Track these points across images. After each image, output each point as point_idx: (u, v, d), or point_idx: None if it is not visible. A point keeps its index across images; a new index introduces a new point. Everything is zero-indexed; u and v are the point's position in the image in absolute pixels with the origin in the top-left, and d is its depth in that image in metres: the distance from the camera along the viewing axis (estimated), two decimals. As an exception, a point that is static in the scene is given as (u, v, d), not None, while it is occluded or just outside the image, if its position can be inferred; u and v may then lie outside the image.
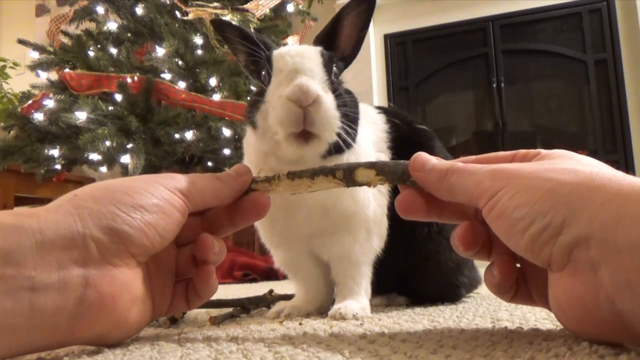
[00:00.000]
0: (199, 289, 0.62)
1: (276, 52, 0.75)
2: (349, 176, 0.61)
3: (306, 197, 0.77)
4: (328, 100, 0.69)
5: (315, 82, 0.68)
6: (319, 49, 0.76)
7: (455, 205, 0.57)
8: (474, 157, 0.59)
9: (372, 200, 0.85)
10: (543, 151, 0.53)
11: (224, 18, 2.59)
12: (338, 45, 0.80)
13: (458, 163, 0.55)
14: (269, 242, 0.89)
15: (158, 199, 0.55)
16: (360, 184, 0.62)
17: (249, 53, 0.79)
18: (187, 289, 0.64)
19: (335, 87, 0.73)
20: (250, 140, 0.81)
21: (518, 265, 0.55)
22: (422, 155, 0.57)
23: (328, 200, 0.80)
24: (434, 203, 0.57)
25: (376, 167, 0.61)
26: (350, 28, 0.79)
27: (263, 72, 0.76)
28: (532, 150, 0.55)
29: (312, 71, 0.69)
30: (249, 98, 2.56)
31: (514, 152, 0.56)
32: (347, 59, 0.81)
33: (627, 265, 0.38)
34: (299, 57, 0.71)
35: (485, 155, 0.59)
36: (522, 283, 0.55)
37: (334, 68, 0.76)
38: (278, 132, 0.70)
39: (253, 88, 2.74)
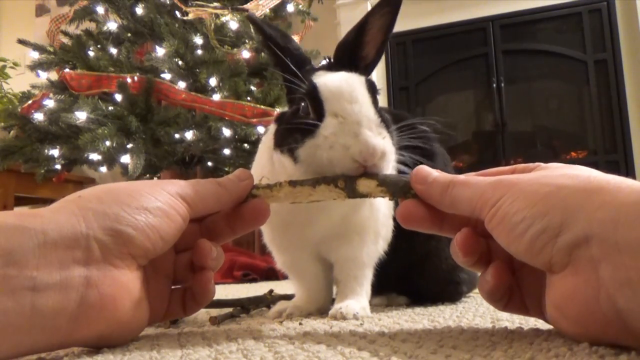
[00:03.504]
0: (197, 295, 0.63)
1: (326, 90, 0.67)
2: (351, 186, 0.61)
3: (327, 207, 0.75)
4: (389, 147, 0.65)
5: (377, 136, 0.64)
6: (363, 80, 0.70)
7: (456, 218, 0.58)
8: (474, 173, 0.60)
9: (383, 204, 0.86)
10: (542, 164, 0.54)
11: (224, 18, 2.59)
12: (364, 54, 0.75)
13: (459, 176, 0.56)
14: (276, 245, 0.88)
15: (162, 203, 0.55)
16: (362, 195, 0.61)
17: (280, 61, 0.73)
18: (184, 295, 0.64)
19: (383, 119, 0.68)
20: (285, 165, 0.71)
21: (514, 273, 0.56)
22: (424, 169, 0.58)
23: (348, 209, 0.79)
24: (435, 215, 0.58)
25: (378, 178, 0.61)
26: (374, 32, 0.75)
27: (303, 104, 0.69)
28: (530, 164, 0.56)
29: (369, 120, 0.65)
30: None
31: (513, 166, 0.58)
32: (371, 66, 0.77)
33: (628, 264, 0.38)
34: (357, 105, 0.65)
35: (485, 171, 0.59)
36: (516, 292, 0.55)
37: (377, 95, 0.72)
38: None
39: (253, 88, 2.74)
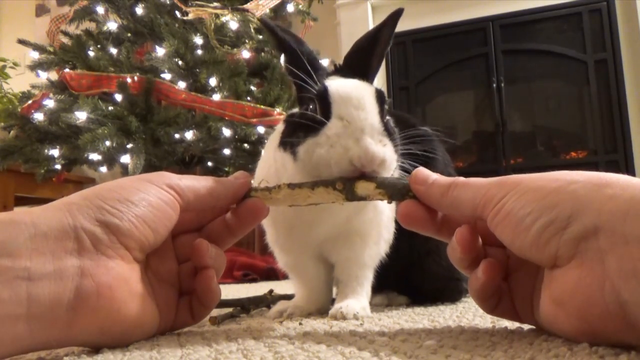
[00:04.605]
0: (201, 295, 0.63)
1: (335, 93, 0.68)
2: (349, 188, 0.61)
3: (332, 208, 0.75)
4: (389, 155, 0.65)
5: (379, 144, 0.65)
6: (373, 90, 0.71)
7: (454, 222, 0.58)
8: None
9: (387, 206, 0.86)
10: None
11: (224, 18, 2.59)
12: (373, 63, 0.77)
13: (460, 178, 0.56)
14: (279, 245, 0.88)
15: (145, 193, 0.56)
16: (360, 198, 0.62)
17: (293, 63, 0.74)
18: (191, 302, 0.64)
19: (387, 128, 0.69)
20: (284, 162, 0.73)
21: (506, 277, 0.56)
22: (423, 170, 0.59)
23: (353, 210, 0.80)
24: (434, 217, 0.59)
25: (376, 180, 0.61)
26: (383, 42, 0.77)
27: (311, 105, 0.70)
28: None
29: (372, 127, 0.66)
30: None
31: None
32: (375, 74, 0.78)
33: (635, 255, 0.38)
34: (363, 112, 0.67)
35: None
36: (507, 296, 0.55)
37: (385, 106, 0.72)
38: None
39: (253, 88, 2.74)
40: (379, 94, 0.71)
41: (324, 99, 0.69)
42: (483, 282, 0.53)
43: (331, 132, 0.66)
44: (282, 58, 0.77)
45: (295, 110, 0.78)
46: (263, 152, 0.88)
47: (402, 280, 0.99)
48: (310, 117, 0.69)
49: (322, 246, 0.86)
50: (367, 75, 0.76)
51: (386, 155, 0.65)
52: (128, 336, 0.55)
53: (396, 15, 0.77)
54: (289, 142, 0.71)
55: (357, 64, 0.77)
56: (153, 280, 0.60)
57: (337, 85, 0.70)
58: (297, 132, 0.70)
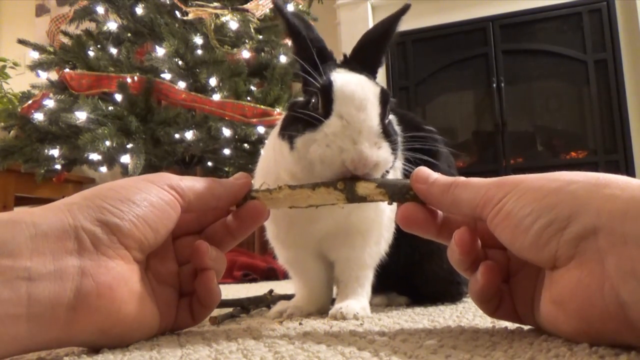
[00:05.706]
0: (201, 297, 0.63)
1: (339, 91, 0.68)
2: (350, 188, 0.61)
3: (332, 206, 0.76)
4: (383, 158, 0.65)
5: (374, 147, 0.65)
6: (378, 90, 0.70)
7: (454, 225, 0.58)
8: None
9: (388, 207, 0.86)
10: None
11: (224, 18, 2.59)
12: (381, 56, 0.77)
13: (461, 178, 0.56)
14: (280, 241, 0.88)
15: (146, 193, 0.56)
16: (361, 198, 0.62)
17: (300, 51, 0.74)
18: (191, 303, 0.64)
19: (386, 130, 0.68)
20: (282, 151, 0.73)
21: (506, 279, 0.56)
22: (425, 169, 0.59)
23: (353, 207, 0.79)
24: (434, 219, 0.59)
25: (377, 180, 0.62)
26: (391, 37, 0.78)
27: (314, 99, 0.70)
28: None
29: (370, 130, 0.66)
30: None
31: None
32: (379, 67, 0.79)
33: (634, 256, 0.38)
34: (363, 113, 0.66)
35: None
36: (507, 298, 0.55)
37: (388, 106, 0.72)
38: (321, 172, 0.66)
39: (253, 88, 2.74)
40: (383, 94, 0.71)
41: (327, 94, 0.68)
42: (482, 284, 0.53)
43: (329, 130, 0.66)
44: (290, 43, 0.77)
45: (300, 99, 0.77)
46: (266, 142, 0.88)
47: (402, 281, 0.99)
48: (313, 110, 0.69)
49: (322, 243, 0.86)
50: (374, 70, 0.76)
51: (380, 158, 0.65)
52: (128, 336, 0.55)
53: (404, 10, 0.77)
54: (287, 133, 0.71)
55: (366, 57, 0.77)
56: (153, 281, 0.60)
57: (342, 81, 0.69)
58: (297, 124, 0.70)
